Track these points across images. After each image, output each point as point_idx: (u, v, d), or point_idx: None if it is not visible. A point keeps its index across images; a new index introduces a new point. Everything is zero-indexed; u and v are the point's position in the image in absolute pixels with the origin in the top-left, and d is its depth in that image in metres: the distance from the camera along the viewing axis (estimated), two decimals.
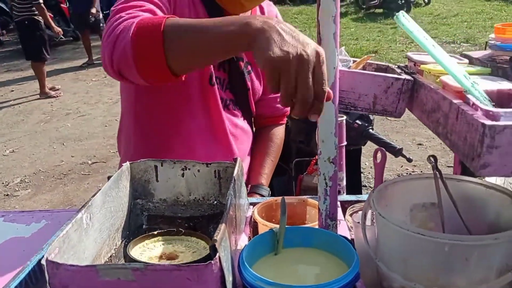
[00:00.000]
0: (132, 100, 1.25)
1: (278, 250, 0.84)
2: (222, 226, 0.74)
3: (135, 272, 0.67)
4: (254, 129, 1.56)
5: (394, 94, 0.85)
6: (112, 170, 3.91)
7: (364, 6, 11.31)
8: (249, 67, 1.25)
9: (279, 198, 1.08)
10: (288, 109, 1.36)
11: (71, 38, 10.57)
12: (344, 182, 1.13)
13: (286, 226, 0.86)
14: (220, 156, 1.20)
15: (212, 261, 0.67)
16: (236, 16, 0.84)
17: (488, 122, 0.58)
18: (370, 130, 1.59)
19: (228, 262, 0.72)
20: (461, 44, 7.74)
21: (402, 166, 3.59)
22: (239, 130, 1.28)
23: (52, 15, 9.22)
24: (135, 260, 0.86)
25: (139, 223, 1.08)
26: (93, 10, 7.66)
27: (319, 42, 0.79)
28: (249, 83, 1.26)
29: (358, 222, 0.90)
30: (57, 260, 0.69)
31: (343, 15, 11.29)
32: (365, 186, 3.42)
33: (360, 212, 0.96)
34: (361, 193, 1.98)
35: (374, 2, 10.81)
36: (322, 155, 0.84)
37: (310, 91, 0.65)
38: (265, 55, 0.67)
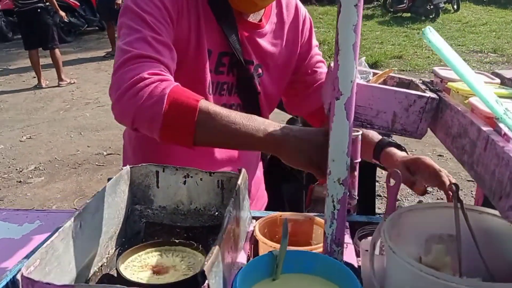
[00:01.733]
0: None
1: (276, 275, 0.77)
2: (215, 249, 0.68)
3: None
4: None
5: (416, 113, 0.77)
6: None
7: (392, 10, 11.12)
8: (260, 70, 1.18)
9: (284, 214, 1.01)
10: None
11: (97, 28, 10.66)
12: (355, 201, 1.06)
13: (288, 249, 0.79)
14: (219, 164, 1.14)
15: None
16: (260, 120, 0.87)
17: None
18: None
19: None
20: (489, 54, 7.53)
21: None
22: None
23: (78, 4, 9.31)
24: (122, 277, 0.81)
25: (136, 230, 1.02)
26: (119, 1, 7.69)
27: (337, 52, 0.72)
28: (259, 87, 1.19)
29: (367, 250, 0.82)
30: (33, 276, 0.64)
31: (369, 17, 11.13)
32: (380, 196, 3.33)
33: (370, 238, 0.89)
34: (374, 209, 1.90)
35: (402, 6, 10.62)
36: (332, 175, 0.77)
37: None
38: (301, 161, 0.85)
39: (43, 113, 5.39)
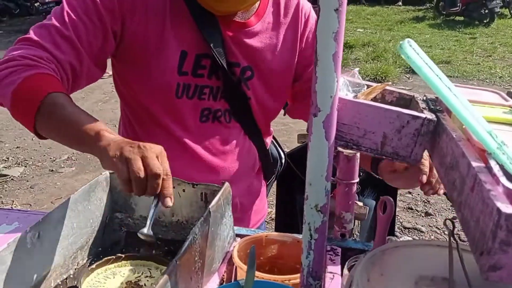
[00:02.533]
0: (121, 105, 1.21)
1: None
2: (162, 280, 0.60)
3: None
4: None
5: (410, 135, 0.67)
6: None
7: (444, 13, 10.68)
8: (249, 72, 1.08)
9: (270, 234, 0.93)
10: None
11: None
12: (352, 225, 0.96)
13: (256, 279, 0.71)
14: (201, 176, 1.05)
15: None
16: (93, 125, 0.84)
17: (507, 209, 0.40)
18: None
19: None
20: None
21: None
22: (230, 146, 1.13)
23: None
24: None
25: (115, 239, 0.97)
26: None
27: (316, 63, 0.63)
28: (249, 91, 1.09)
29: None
30: None
31: (420, 19, 10.75)
32: (411, 208, 3.15)
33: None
34: (393, 230, 1.76)
35: (455, 9, 10.17)
36: (309, 201, 0.68)
37: (157, 169, 0.75)
38: (111, 155, 0.76)
39: (83, 103, 5.50)
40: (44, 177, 3.65)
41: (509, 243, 0.41)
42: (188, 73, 1.03)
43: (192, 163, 1.09)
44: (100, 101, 5.60)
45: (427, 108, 0.70)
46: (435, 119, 0.66)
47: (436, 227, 2.97)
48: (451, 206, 3.20)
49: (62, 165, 3.87)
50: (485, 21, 9.72)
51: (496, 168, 0.46)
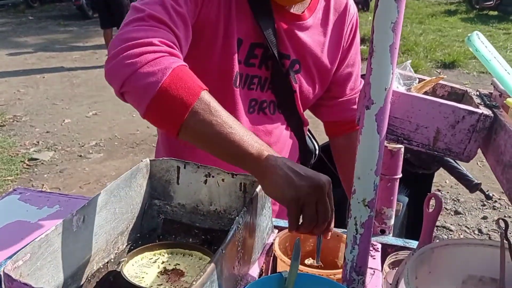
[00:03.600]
0: None
1: None
2: (209, 268, 0.60)
3: None
4: (315, 139, 1.40)
5: (465, 131, 0.65)
6: None
7: (477, 6, 10.38)
8: (297, 66, 1.07)
9: None
10: None
11: None
12: (392, 221, 0.94)
13: (299, 272, 0.70)
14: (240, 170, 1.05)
15: None
16: (257, 138, 0.76)
17: None
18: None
19: None
20: None
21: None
22: (274, 138, 1.12)
23: None
24: (124, 278, 0.76)
25: (152, 226, 0.98)
26: None
27: (371, 53, 0.61)
28: (295, 85, 1.08)
29: (391, 284, 0.72)
30: (22, 270, 0.61)
31: (452, 13, 10.48)
32: (458, 212, 3.08)
33: (395, 270, 0.78)
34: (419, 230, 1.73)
35: (489, 3, 9.88)
36: (356, 194, 0.67)
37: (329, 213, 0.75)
38: (285, 193, 0.71)
39: (110, 91, 5.45)
40: (72, 162, 3.72)
41: None
42: (242, 61, 1.02)
43: None
44: None
45: (482, 103, 0.68)
46: (492, 115, 0.64)
47: (466, 226, 2.91)
48: (481, 205, 3.13)
49: (90, 151, 3.93)
50: None
51: None
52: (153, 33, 0.80)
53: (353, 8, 1.13)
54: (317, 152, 1.40)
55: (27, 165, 3.63)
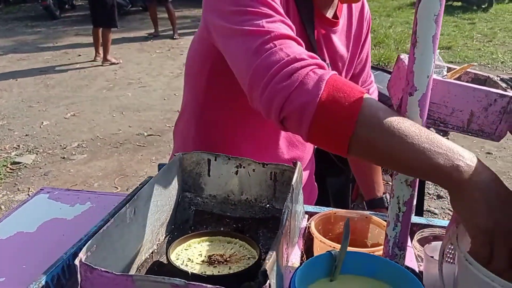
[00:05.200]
0: (200, 92, 1.10)
1: (335, 276, 0.74)
2: (276, 247, 0.64)
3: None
4: None
5: (496, 113, 0.71)
6: (166, 145, 3.93)
7: None
8: (329, 68, 1.11)
9: (338, 211, 0.97)
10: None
11: (141, 8, 10.77)
12: (414, 202, 1.00)
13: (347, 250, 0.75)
14: (281, 159, 1.10)
15: None
16: (444, 144, 0.63)
17: None
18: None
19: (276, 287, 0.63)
20: None
21: None
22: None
23: None
24: (175, 267, 0.79)
25: (185, 218, 1.01)
26: None
27: (414, 43, 0.66)
28: None
29: (432, 257, 0.78)
30: (91, 261, 0.63)
31: None
32: (441, 196, 3.19)
33: (433, 243, 0.84)
34: (422, 209, 1.81)
35: None
36: (399, 175, 0.72)
37: None
38: (479, 224, 0.59)
39: (87, 91, 5.49)
40: (56, 164, 3.67)
41: None
42: None
43: (280, 158, 1.13)
44: (104, 89, 5.59)
45: (509, 87, 0.74)
46: None
47: (449, 209, 3.04)
48: None
49: (73, 152, 3.88)
50: (483, 6, 9.75)
51: None
52: (290, 49, 0.75)
53: (367, 4, 1.18)
54: None
55: (10, 169, 3.56)
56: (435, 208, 3.07)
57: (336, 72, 0.75)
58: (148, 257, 0.86)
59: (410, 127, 0.64)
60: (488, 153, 3.69)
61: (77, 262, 0.62)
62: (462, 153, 0.62)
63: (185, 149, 1.23)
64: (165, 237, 0.93)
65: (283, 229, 0.69)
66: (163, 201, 0.90)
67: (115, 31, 6.72)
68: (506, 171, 3.40)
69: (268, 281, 0.59)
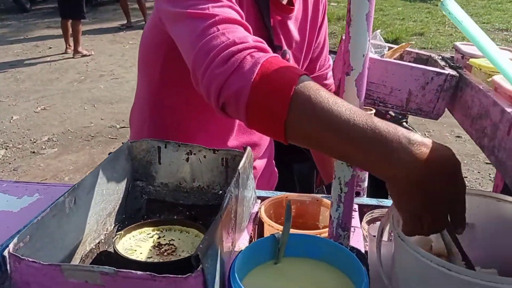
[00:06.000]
0: (154, 79, 1.09)
1: (278, 259, 0.74)
2: (212, 231, 0.64)
3: (104, 276, 0.58)
4: None
5: (433, 91, 0.71)
6: None
7: None
8: (287, 56, 1.10)
9: (290, 195, 0.97)
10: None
11: None
12: (366, 183, 1.01)
13: (291, 232, 0.75)
14: (237, 148, 1.09)
15: (193, 274, 0.57)
16: (383, 126, 0.58)
17: None
18: (404, 123, 1.45)
19: (213, 274, 0.63)
20: None
21: None
22: None
23: None
24: (119, 254, 0.78)
25: (137, 207, 0.99)
26: None
27: (349, 22, 0.66)
28: None
29: (375, 236, 0.78)
30: (23, 252, 0.61)
31: None
32: None
33: (378, 223, 0.84)
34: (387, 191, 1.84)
35: None
36: None
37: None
38: (410, 206, 0.58)
39: (57, 84, 5.38)
40: (26, 159, 3.59)
41: None
42: None
43: (226, 140, 1.12)
44: (75, 81, 5.49)
45: (447, 65, 0.75)
46: (457, 74, 0.71)
47: None
48: None
49: (43, 147, 3.81)
50: None
51: None
52: (233, 34, 0.74)
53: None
54: None
55: None
56: None
57: (277, 55, 0.74)
58: (94, 247, 0.84)
59: (343, 113, 0.60)
60: (458, 136, 3.75)
61: (6, 253, 0.60)
62: (396, 138, 0.56)
63: (140, 137, 1.22)
64: (114, 226, 0.92)
65: (222, 213, 0.68)
66: (109, 190, 0.89)
67: (87, 23, 6.60)
68: (475, 153, 3.46)
69: (200, 266, 0.58)
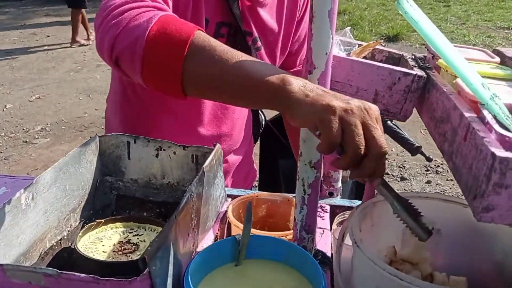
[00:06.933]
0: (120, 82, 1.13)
1: (239, 261, 0.72)
2: (164, 233, 0.62)
3: (47, 278, 0.56)
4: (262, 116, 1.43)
5: (401, 92, 0.69)
6: None
7: None
8: (259, 43, 1.08)
9: (260, 193, 0.95)
10: None
11: None
12: (339, 184, 0.99)
13: (252, 233, 0.73)
14: (207, 141, 1.08)
15: (138, 278, 0.56)
16: (271, 68, 0.63)
17: (500, 153, 0.43)
18: (388, 122, 1.42)
19: (163, 277, 0.61)
20: None
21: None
22: (236, 114, 1.14)
23: None
24: (78, 252, 0.76)
25: (106, 203, 0.97)
26: None
27: (311, 19, 0.63)
28: None
29: (337, 239, 0.76)
30: None
31: None
32: (387, 174, 3.23)
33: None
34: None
35: None
36: (303, 157, 0.70)
37: (384, 142, 0.56)
38: (322, 105, 0.56)
39: (54, 73, 5.36)
40: (18, 149, 3.58)
41: (501, 185, 0.44)
42: None
43: (202, 134, 1.10)
44: (72, 71, 5.46)
45: (416, 65, 0.72)
46: (425, 75, 0.68)
47: (412, 191, 3.06)
48: (425, 171, 3.30)
49: (36, 136, 3.79)
50: None
51: (489, 117, 0.48)
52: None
53: None
54: (263, 123, 1.44)
55: None
56: (397, 190, 3.08)
57: (174, 15, 0.72)
58: (55, 244, 0.82)
59: (235, 57, 0.63)
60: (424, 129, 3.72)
61: None
62: (285, 76, 0.60)
63: (112, 129, 1.21)
64: (80, 222, 0.90)
65: (177, 213, 0.66)
66: (73, 186, 0.87)
67: (87, 11, 6.53)
68: None
69: (147, 269, 0.56)
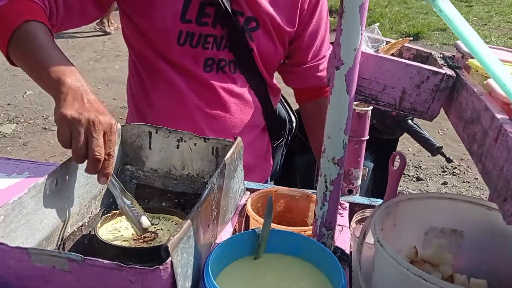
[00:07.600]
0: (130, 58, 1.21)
1: (258, 255, 0.72)
2: (186, 224, 0.62)
3: (71, 263, 0.57)
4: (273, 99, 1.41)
5: (429, 91, 0.68)
6: None
7: None
8: (254, 23, 1.07)
9: (279, 188, 0.95)
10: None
11: None
12: (359, 182, 0.98)
13: (272, 228, 0.73)
14: (203, 124, 1.10)
15: (161, 267, 0.56)
16: (59, 67, 0.85)
17: None
18: (409, 121, 1.40)
19: (185, 267, 0.61)
20: None
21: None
22: (234, 98, 1.13)
23: None
24: (99, 238, 0.77)
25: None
26: None
27: (341, 14, 0.63)
28: (252, 43, 1.08)
29: (358, 237, 0.76)
30: None
31: None
32: (403, 173, 3.20)
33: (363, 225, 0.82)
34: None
35: None
36: (326, 153, 0.69)
37: (98, 151, 0.73)
38: (58, 112, 0.77)
39: (73, 62, 5.33)
40: (37, 135, 3.62)
41: None
42: (192, 21, 1.03)
43: (195, 112, 1.11)
44: (91, 60, 5.50)
45: (445, 64, 0.71)
46: (454, 75, 0.67)
47: (427, 192, 3.03)
48: (442, 172, 3.27)
49: (55, 123, 3.83)
50: None
51: None
52: None
53: None
54: (293, 124, 1.42)
55: None
56: (413, 190, 3.07)
57: (29, 4, 0.89)
58: (76, 230, 0.83)
59: (44, 48, 0.86)
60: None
61: None
62: (78, 82, 0.84)
63: (128, 117, 1.24)
64: (100, 210, 0.91)
65: (199, 205, 0.67)
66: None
67: None
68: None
69: (170, 258, 0.57)
